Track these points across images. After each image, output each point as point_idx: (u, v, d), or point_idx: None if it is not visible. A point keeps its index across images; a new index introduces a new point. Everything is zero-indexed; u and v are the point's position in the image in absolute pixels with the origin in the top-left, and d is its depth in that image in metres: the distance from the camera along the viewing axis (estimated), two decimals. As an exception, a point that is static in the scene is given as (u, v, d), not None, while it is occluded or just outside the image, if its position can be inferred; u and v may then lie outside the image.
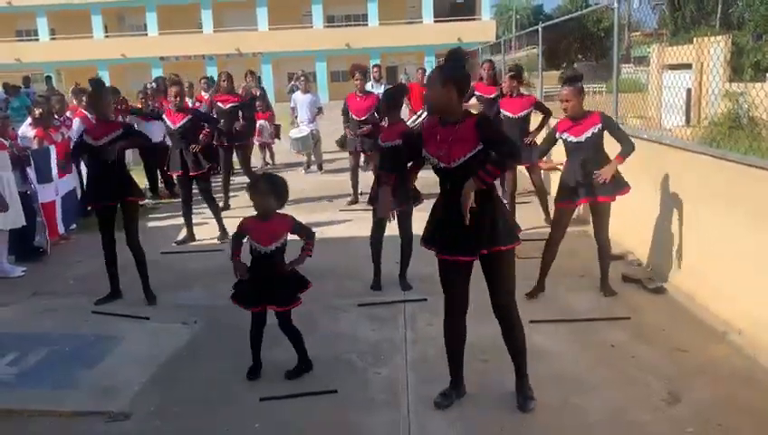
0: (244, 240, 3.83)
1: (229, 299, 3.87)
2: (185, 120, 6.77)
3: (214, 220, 7.17)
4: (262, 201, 3.72)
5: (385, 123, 6.03)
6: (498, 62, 14.05)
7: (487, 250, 3.23)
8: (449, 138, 3.19)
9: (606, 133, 4.77)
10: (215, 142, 8.48)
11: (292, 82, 12.41)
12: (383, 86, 10.76)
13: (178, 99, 6.82)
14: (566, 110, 4.77)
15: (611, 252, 5.06)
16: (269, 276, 3.75)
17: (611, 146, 4.80)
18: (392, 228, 5.23)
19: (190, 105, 9.17)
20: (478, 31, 38.04)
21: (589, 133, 4.75)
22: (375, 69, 11.95)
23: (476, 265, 3.34)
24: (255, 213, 3.79)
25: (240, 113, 8.81)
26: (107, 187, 5.15)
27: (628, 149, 4.69)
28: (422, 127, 3.26)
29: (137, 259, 5.27)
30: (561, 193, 4.96)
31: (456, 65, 3.26)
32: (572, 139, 4.81)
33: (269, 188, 3.71)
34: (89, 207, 7.18)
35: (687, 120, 12.03)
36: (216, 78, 10.06)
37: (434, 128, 3.29)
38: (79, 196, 7.66)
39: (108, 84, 5.96)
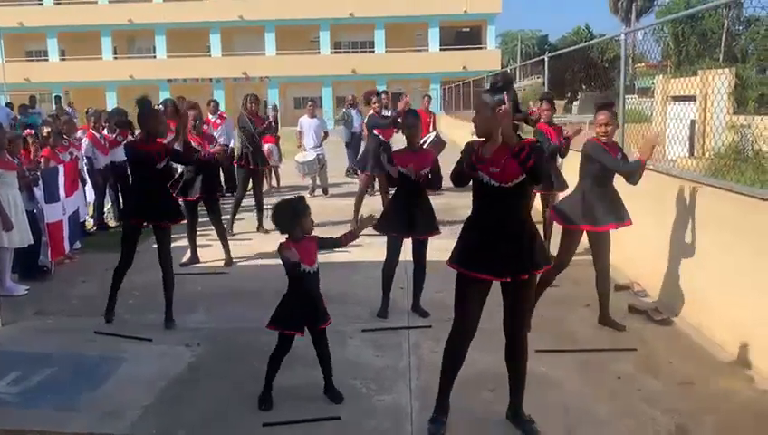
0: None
1: (266, 326, 3.75)
2: (198, 146, 6.81)
3: (218, 243, 7.15)
4: (308, 221, 3.72)
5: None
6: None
7: (527, 273, 3.25)
8: (502, 159, 3.20)
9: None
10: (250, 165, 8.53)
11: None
12: (390, 112, 10.81)
13: (197, 122, 6.87)
14: (606, 133, 4.69)
15: (616, 282, 5.02)
16: (314, 296, 3.75)
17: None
18: (404, 254, 5.21)
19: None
20: (483, 59, 38.42)
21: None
22: (384, 96, 12.01)
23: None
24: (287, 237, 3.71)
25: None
26: (154, 206, 5.11)
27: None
28: (474, 147, 3.29)
29: (167, 281, 5.18)
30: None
31: (502, 90, 3.25)
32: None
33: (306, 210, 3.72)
34: (108, 224, 7.20)
35: (691, 152, 12.02)
36: (222, 101, 10.12)
37: (480, 148, 3.31)
38: (82, 215, 7.65)
39: (115, 105, 6.00)
